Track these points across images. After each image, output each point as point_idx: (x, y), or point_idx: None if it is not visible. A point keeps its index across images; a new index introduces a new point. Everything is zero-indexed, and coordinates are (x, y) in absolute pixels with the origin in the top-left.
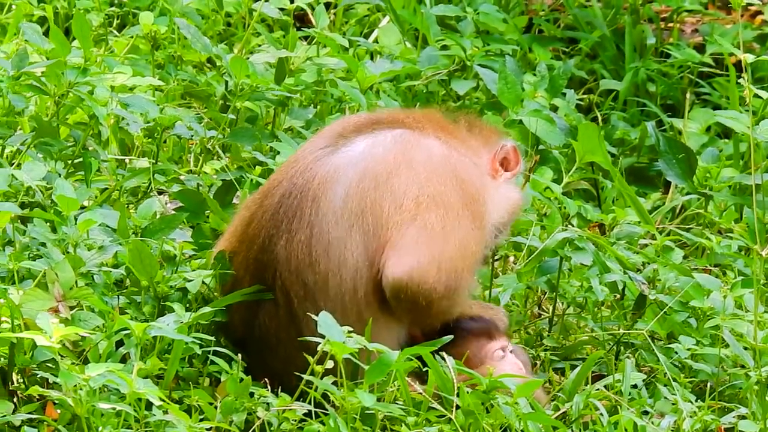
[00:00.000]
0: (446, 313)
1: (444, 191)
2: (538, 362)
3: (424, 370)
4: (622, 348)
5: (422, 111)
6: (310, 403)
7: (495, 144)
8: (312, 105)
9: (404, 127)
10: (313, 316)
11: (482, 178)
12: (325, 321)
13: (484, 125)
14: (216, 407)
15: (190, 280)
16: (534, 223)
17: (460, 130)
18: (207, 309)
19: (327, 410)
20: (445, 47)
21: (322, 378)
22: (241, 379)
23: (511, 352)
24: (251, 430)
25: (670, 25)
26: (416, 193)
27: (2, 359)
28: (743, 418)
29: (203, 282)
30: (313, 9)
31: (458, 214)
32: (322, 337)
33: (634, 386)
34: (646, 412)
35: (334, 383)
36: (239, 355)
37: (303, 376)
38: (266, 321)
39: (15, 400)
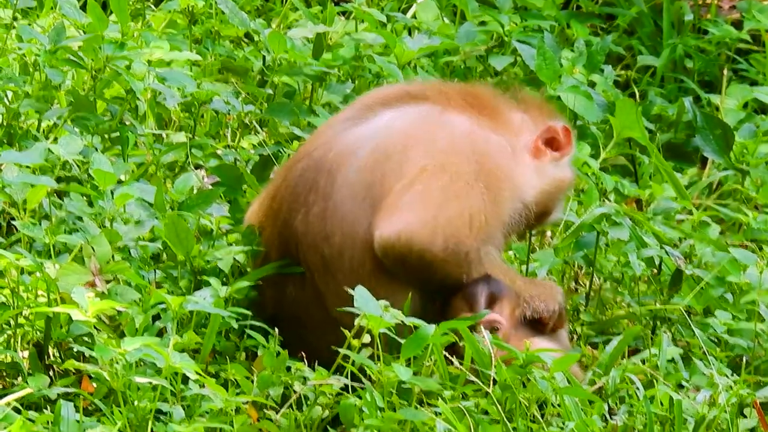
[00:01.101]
0: (454, 278)
1: (456, 162)
2: (574, 336)
3: (461, 344)
4: (658, 323)
5: (459, 86)
6: (346, 377)
7: (541, 123)
8: (350, 80)
9: (432, 102)
10: (350, 290)
11: (512, 155)
12: (361, 294)
13: (535, 103)
14: (252, 381)
15: (221, 259)
16: (571, 198)
17: (500, 107)
18: (244, 283)
19: (364, 384)
20: (483, 23)
21: (358, 352)
22: (278, 353)
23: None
24: (288, 404)
25: (708, 1)
26: (424, 163)
27: (39, 333)
28: None
29: (234, 259)
30: None
31: (468, 183)
32: (350, 311)
33: (671, 360)
34: (681, 386)
35: (371, 357)
36: (275, 329)
37: (339, 350)
38: (294, 296)
39: (51, 373)
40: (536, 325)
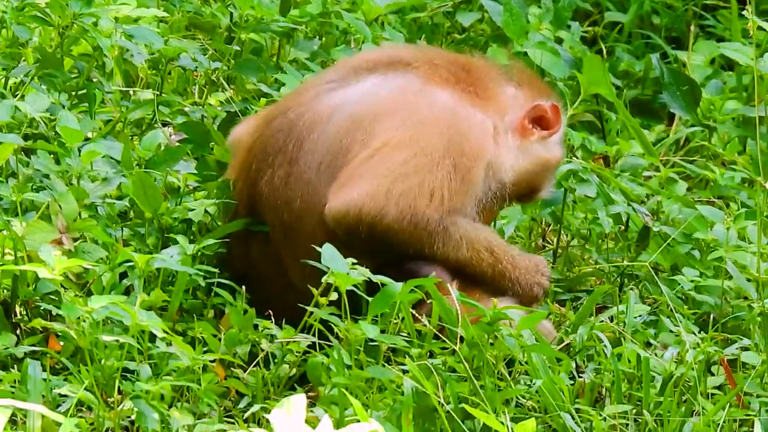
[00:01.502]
0: (417, 248)
1: (425, 137)
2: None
3: (428, 302)
4: (626, 280)
5: (452, 56)
6: (313, 334)
7: (532, 100)
8: (317, 37)
9: (417, 72)
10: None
11: (492, 135)
12: (329, 252)
13: (529, 79)
14: (220, 339)
15: (193, 209)
16: None
17: (490, 81)
18: (211, 240)
19: (331, 342)
20: None
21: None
22: (245, 311)
23: None
24: (255, 362)
25: None
26: (391, 135)
27: (5, 291)
28: (746, 349)
29: (206, 211)
30: None
31: (433, 159)
32: (313, 276)
33: (638, 317)
34: (649, 344)
35: (338, 316)
36: (243, 287)
37: (306, 307)
38: (258, 257)
39: (18, 332)
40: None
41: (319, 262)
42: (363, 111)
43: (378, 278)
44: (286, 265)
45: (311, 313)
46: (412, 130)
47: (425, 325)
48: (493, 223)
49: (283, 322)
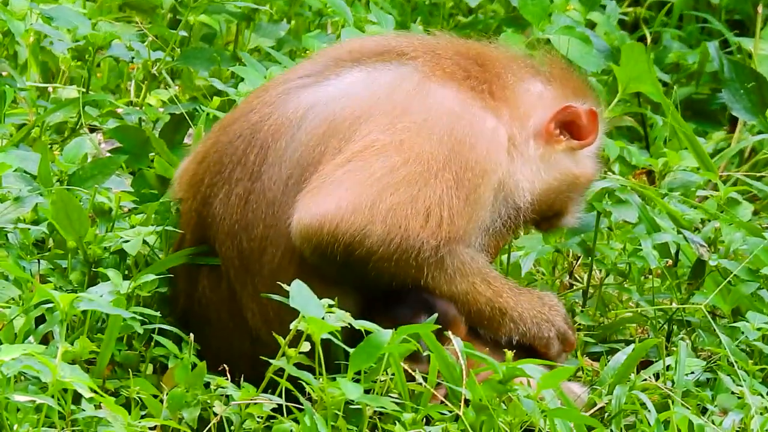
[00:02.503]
0: (403, 282)
1: (421, 143)
2: None
3: (425, 354)
4: (675, 327)
5: (461, 44)
6: (280, 395)
7: (563, 100)
8: (284, 20)
9: (415, 65)
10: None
11: (505, 145)
12: (298, 291)
13: (564, 73)
14: (162, 401)
15: (127, 240)
16: None
17: (510, 76)
18: (150, 276)
19: (302, 405)
20: None
21: (295, 364)
22: (193, 366)
23: None
24: (206, 429)
25: None
26: (375, 138)
27: None
28: None
29: (144, 241)
30: None
31: (431, 170)
32: (267, 323)
33: (690, 375)
34: (704, 410)
35: (311, 371)
36: (191, 334)
37: (271, 361)
38: (207, 293)
39: None
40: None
41: (284, 305)
42: (342, 112)
43: (362, 324)
44: (243, 305)
45: (280, 368)
46: (403, 134)
47: (421, 384)
48: (499, 256)
49: (242, 379)
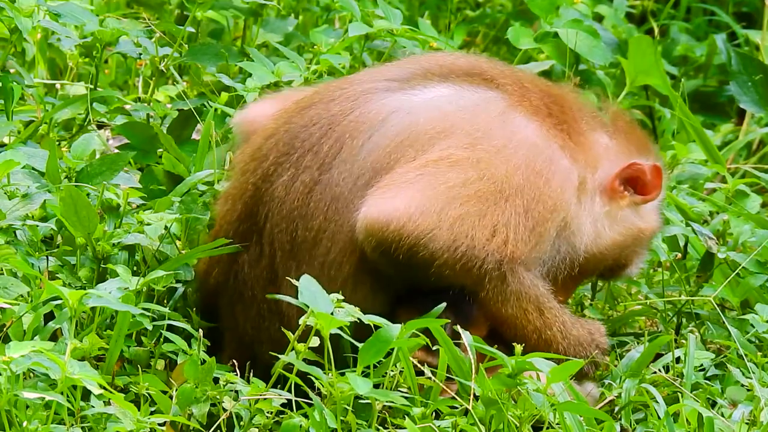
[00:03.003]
0: (454, 286)
1: (498, 166)
2: None
3: (434, 348)
4: (684, 320)
5: (542, 82)
6: (289, 390)
7: (627, 155)
8: (292, 15)
9: (502, 92)
10: (293, 281)
11: (576, 190)
12: (307, 286)
13: (627, 126)
14: (171, 397)
15: (149, 224)
16: None
17: (583, 123)
18: (160, 272)
19: (311, 400)
20: None
21: (305, 359)
22: (203, 361)
23: None
24: (215, 425)
25: None
26: (452, 151)
27: None
28: None
29: (166, 228)
30: None
31: (503, 193)
32: (300, 309)
33: (700, 368)
34: (714, 402)
35: (320, 366)
36: (200, 331)
37: (280, 356)
38: (246, 269)
39: None
40: None
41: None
42: (423, 124)
43: (371, 318)
44: (282, 290)
45: (289, 363)
46: (482, 154)
47: (430, 378)
48: None
49: (251, 372)
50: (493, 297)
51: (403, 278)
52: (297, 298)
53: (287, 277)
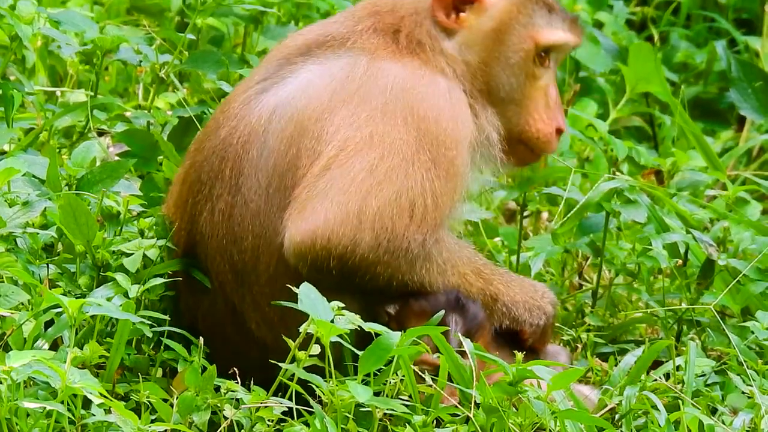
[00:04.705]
0: (394, 283)
1: (388, 130)
2: (578, 346)
3: (435, 356)
4: (684, 327)
5: (384, 9)
6: (290, 398)
7: None
8: (292, 21)
9: (359, 47)
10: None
11: (463, 100)
12: (306, 294)
13: None
14: (172, 405)
15: (129, 254)
16: (573, 170)
17: (398, 12)
18: (159, 280)
19: (312, 407)
20: None
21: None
22: (204, 369)
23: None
24: None
25: None
26: (346, 135)
27: None
28: None
29: (145, 255)
30: None
31: (407, 157)
32: (273, 330)
33: (700, 375)
34: (715, 410)
35: (320, 373)
36: (200, 338)
37: (280, 364)
38: (209, 310)
39: None
40: (511, 339)
41: (286, 310)
42: (305, 110)
43: (371, 326)
44: (246, 317)
45: (289, 372)
46: (370, 125)
47: (431, 386)
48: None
49: (251, 382)
50: (429, 276)
51: (344, 287)
52: (260, 324)
53: (248, 304)
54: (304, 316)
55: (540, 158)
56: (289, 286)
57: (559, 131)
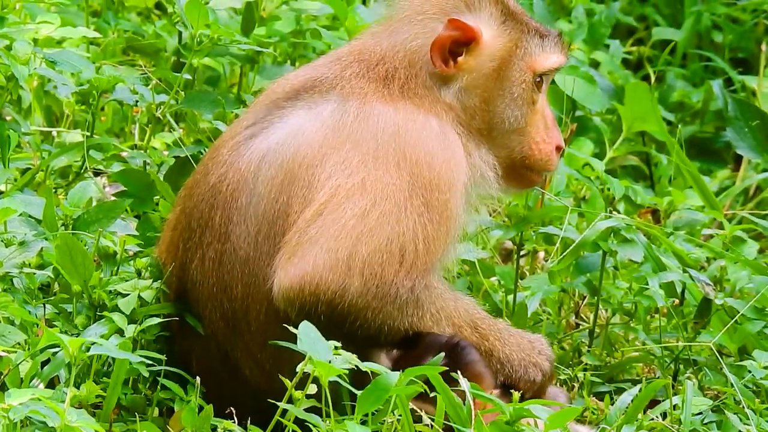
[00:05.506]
0: (385, 329)
1: (381, 176)
2: (575, 385)
3: (432, 395)
4: (681, 366)
5: (352, 45)
6: None
7: (429, 32)
8: (288, 61)
9: (349, 90)
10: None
11: (456, 142)
12: (306, 333)
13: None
14: None
15: (125, 295)
16: (570, 209)
17: (386, 56)
18: (155, 319)
19: None
20: None
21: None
22: (200, 408)
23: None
24: None
25: None
26: (338, 182)
27: None
28: None
29: (140, 297)
30: None
31: (399, 203)
32: (266, 375)
33: (698, 414)
34: None
35: (318, 413)
36: (197, 377)
37: (278, 404)
38: (201, 357)
39: None
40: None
41: (278, 355)
42: (295, 157)
43: (369, 366)
44: (239, 364)
45: (289, 414)
46: (362, 171)
47: (428, 425)
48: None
49: (248, 422)
50: (420, 323)
51: (334, 334)
52: (253, 370)
53: (241, 352)
54: (297, 361)
55: (542, 178)
56: (286, 326)
57: (559, 148)
